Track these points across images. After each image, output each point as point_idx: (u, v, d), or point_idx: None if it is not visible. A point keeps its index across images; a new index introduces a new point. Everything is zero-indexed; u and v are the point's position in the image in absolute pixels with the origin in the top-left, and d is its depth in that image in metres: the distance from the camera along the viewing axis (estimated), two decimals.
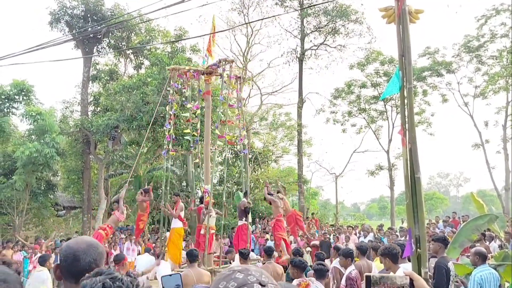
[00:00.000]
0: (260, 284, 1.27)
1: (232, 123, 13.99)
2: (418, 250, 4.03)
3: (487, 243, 12.63)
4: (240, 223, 12.71)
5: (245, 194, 13.21)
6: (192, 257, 7.12)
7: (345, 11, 28.94)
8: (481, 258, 6.60)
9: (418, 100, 30.63)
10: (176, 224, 12.24)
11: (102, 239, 12.34)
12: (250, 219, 12.62)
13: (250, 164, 29.63)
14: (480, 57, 29.21)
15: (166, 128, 13.05)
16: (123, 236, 20.30)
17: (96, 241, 2.25)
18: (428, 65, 30.49)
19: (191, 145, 14.41)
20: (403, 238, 14.85)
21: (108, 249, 18.18)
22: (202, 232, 11.46)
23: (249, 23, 28.56)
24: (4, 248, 16.51)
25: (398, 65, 4.14)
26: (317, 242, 15.94)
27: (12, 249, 16.61)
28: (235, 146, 29.76)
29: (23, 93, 22.37)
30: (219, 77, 12.83)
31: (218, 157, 30.87)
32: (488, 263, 6.89)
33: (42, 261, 7.71)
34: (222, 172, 30.61)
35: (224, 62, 12.18)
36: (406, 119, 4.04)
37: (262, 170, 32.08)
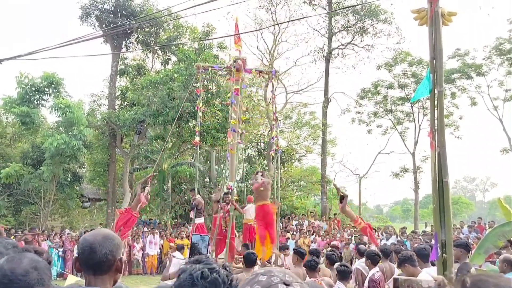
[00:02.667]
0: (285, 283, 1.27)
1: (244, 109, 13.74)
2: (444, 255, 3.98)
3: None
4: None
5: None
6: (249, 261, 6.60)
7: (374, 11, 28.66)
8: (510, 265, 6.47)
9: (446, 102, 30.09)
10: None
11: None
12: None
13: (273, 163, 29.58)
14: None
15: (197, 122, 12.95)
16: (145, 229, 20.54)
17: (112, 233, 2.32)
18: (457, 67, 29.95)
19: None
20: (422, 244, 14.68)
21: (131, 242, 18.45)
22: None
23: (277, 24, 28.52)
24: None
25: (429, 68, 4.09)
26: (337, 243, 15.92)
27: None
28: (258, 143, 29.89)
29: (52, 85, 22.75)
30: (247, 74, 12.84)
31: (241, 154, 31.00)
32: None
33: None
34: (244, 170, 30.70)
35: (265, 73, 12.22)
36: (436, 123, 3.99)
37: (285, 168, 32.04)
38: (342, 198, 13.12)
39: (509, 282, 1.23)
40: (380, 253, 7.31)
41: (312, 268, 6.23)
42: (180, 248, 11.21)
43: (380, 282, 6.44)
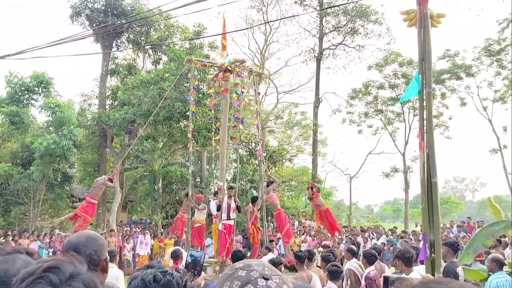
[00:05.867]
0: (264, 278, 1.26)
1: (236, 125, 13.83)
2: (432, 254, 4.02)
3: (502, 249, 12.49)
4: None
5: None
6: (236, 259, 6.39)
7: (364, 11, 28.76)
8: (498, 265, 6.53)
9: (436, 103, 30.30)
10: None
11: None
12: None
13: (265, 163, 29.64)
14: (501, 61, 28.75)
15: (190, 120, 12.92)
16: (136, 229, 20.46)
17: (96, 234, 2.33)
18: (447, 67, 30.13)
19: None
20: (420, 242, 14.76)
21: (121, 242, 18.39)
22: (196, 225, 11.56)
23: (267, 22, 28.55)
24: (20, 237, 16.79)
25: (418, 69, 4.12)
26: (328, 242, 15.95)
27: (28, 239, 16.89)
28: (249, 143, 29.88)
29: (42, 85, 22.63)
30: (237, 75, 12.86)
31: (232, 154, 31.11)
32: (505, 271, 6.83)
33: (110, 257, 6.94)
34: (235, 169, 30.71)
35: (236, 63, 12.20)
36: (425, 123, 4.02)
37: (276, 168, 32.06)
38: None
39: (458, 286, 1.24)
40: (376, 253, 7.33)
41: (300, 260, 6.31)
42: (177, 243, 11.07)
43: (376, 280, 6.49)
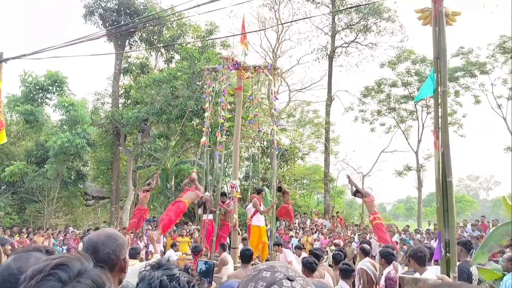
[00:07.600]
0: (288, 279, 1.27)
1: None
2: (448, 254, 4.00)
3: None
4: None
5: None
6: (245, 258, 6.64)
7: (377, 9, 28.59)
8: None
9: (450, 100, 30.00)
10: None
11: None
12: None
13: (277, 161, 29.59)
14: None
15: (206, 118, 13.04)
16: (149, 227, 20.57)
17: (116, 233, 2.31)
18: (461, 65, 29.84)
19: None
20: (432, 241, 14.66)
21: (134, 240, 18.48)
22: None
23: (281, 24, 28.51)
24: (35, 235, 16.98)
25: (433, 67, 4.09)
26: (339, 241, 15.93)
27: (42, 236, 17.07)
28: (261, 142, 29.87)
29: (56, 84, 22.88)
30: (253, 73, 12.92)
31: (244, 152, 31.13)
32: None
33: (134, 254, 6.93)
34: (247, 168, 30.72)
35: (265, 68, 12.29)
36: (440, 122, 4.00)
37: (288, 167, 32.04)
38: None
39: None
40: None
41: (310, 269, 6.16)
42: (173, 245, 11.59)
43: (396, 280, 6.48)
